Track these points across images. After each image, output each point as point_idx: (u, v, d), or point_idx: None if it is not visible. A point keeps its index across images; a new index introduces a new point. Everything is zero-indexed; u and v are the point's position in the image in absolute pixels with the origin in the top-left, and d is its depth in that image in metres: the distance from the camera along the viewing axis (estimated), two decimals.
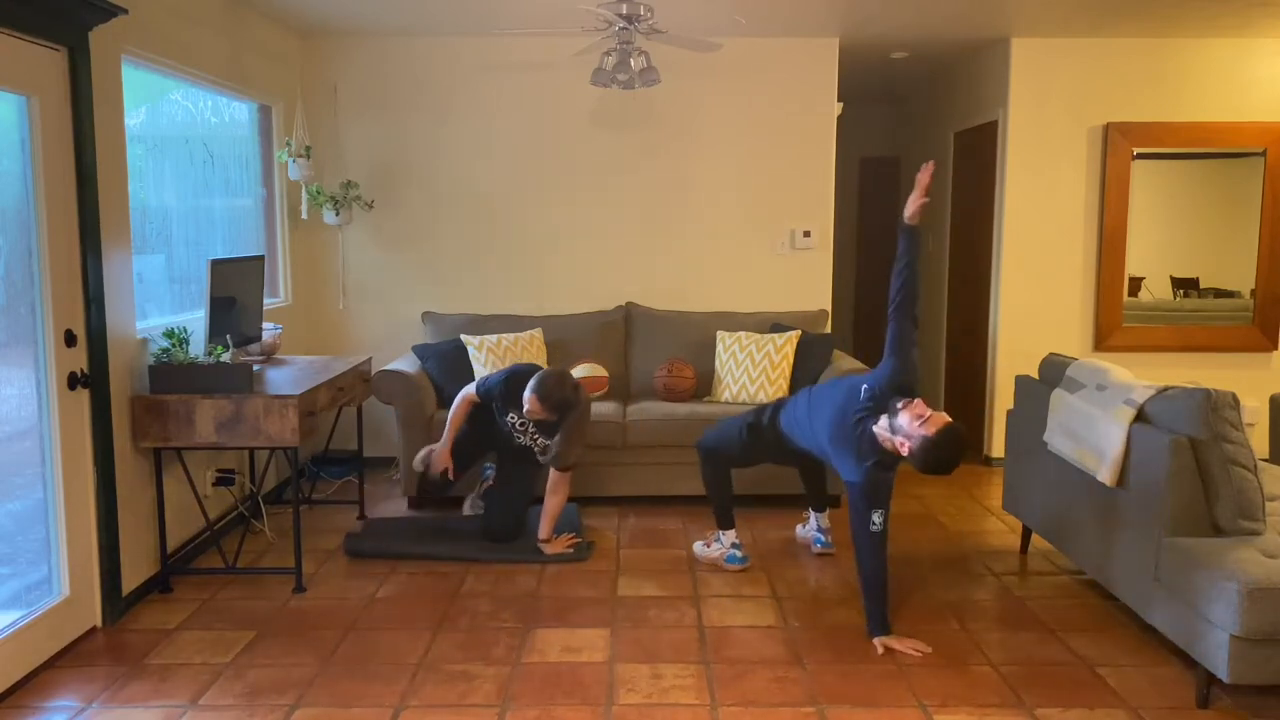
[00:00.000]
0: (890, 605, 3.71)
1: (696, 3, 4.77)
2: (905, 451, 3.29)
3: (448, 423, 4.40)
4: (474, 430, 4.42)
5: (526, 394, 4.06)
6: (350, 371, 4.44)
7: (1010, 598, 3.85)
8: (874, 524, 3.40)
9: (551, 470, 4.24)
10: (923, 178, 3.54)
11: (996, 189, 5.84)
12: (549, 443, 4.27)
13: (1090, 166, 5.71)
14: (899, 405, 3.33)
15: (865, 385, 3.56)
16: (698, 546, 4.28)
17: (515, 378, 4.23)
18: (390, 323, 5.80)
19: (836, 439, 3.55)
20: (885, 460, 3.41)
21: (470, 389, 4.38)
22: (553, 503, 4.24)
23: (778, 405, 4.05)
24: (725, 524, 4.15)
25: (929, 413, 3.26)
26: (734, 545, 4.14)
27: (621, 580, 4.03)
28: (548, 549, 4.23)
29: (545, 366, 4.38)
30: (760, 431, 4.03)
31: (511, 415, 4.31)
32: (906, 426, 3.27)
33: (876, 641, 3.37)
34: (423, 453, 4.49)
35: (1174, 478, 3.09)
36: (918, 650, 3.32)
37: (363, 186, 5.61)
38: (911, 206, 3.55)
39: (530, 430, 4.34)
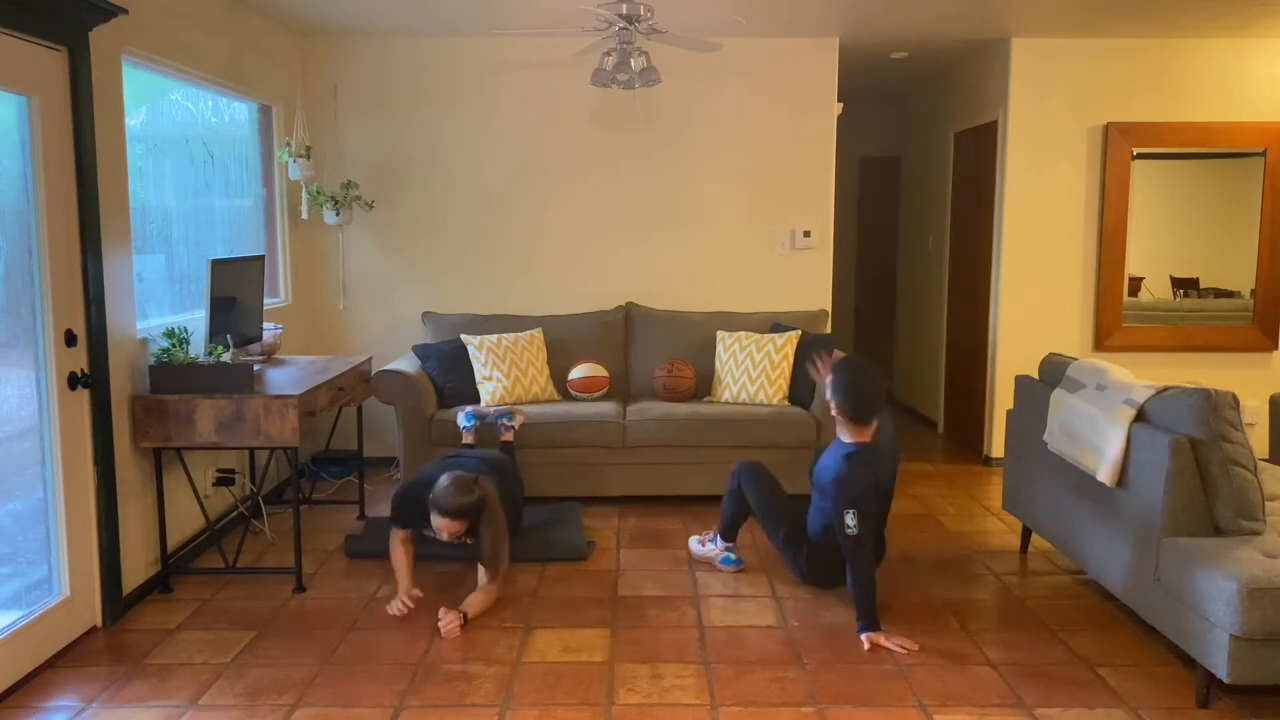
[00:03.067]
0: (887, 605, 3.72)
1: (696, 3, 4.77)
2: (835, 409, 3.60)
3: (396, 571, 3.78)
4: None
5: (434, 519, 3.61)
6: (350, 371, 4.44)
7: (1010, 598, 3.85)
8: (849, 527, 3.47)
9: (480, 572, 3.74)
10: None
11: (996, 189, 5.84)
12: (475, 541, 3.77)
13: (1090, 166, 5.71)
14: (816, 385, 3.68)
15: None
16: (693, 542, 4.28)
17: (406, 501, 3.76)
18: (390, 323, 5.80)
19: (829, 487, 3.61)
20: (859, 455, 3.55)
21: (392, 536, 3.81)
22: (484, 594, 3.66)
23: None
24: (728, 536, 4.14)
25: (824, 364, 3.78)
26: (729, 548, 4.14)
27: (621, 580, 4.03)
28: (449, 624, 3.48)
29: (440, 479, 3.66)
30: (795, 552, 3.91)
31: (427, 532, 3.79)
32: (826, 392, 3.65)
33: (864, 638, 3.38)
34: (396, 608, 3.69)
35: (1174, 478, 3.09)
36: (904, 647, 3.33)
37: (363, 186, 5.61)
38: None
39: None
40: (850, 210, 8.44)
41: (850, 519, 3.47)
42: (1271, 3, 4.79)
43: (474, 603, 3.62)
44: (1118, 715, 2.92)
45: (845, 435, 3.67)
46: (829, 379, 3.67)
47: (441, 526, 3.61)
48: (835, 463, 3.58)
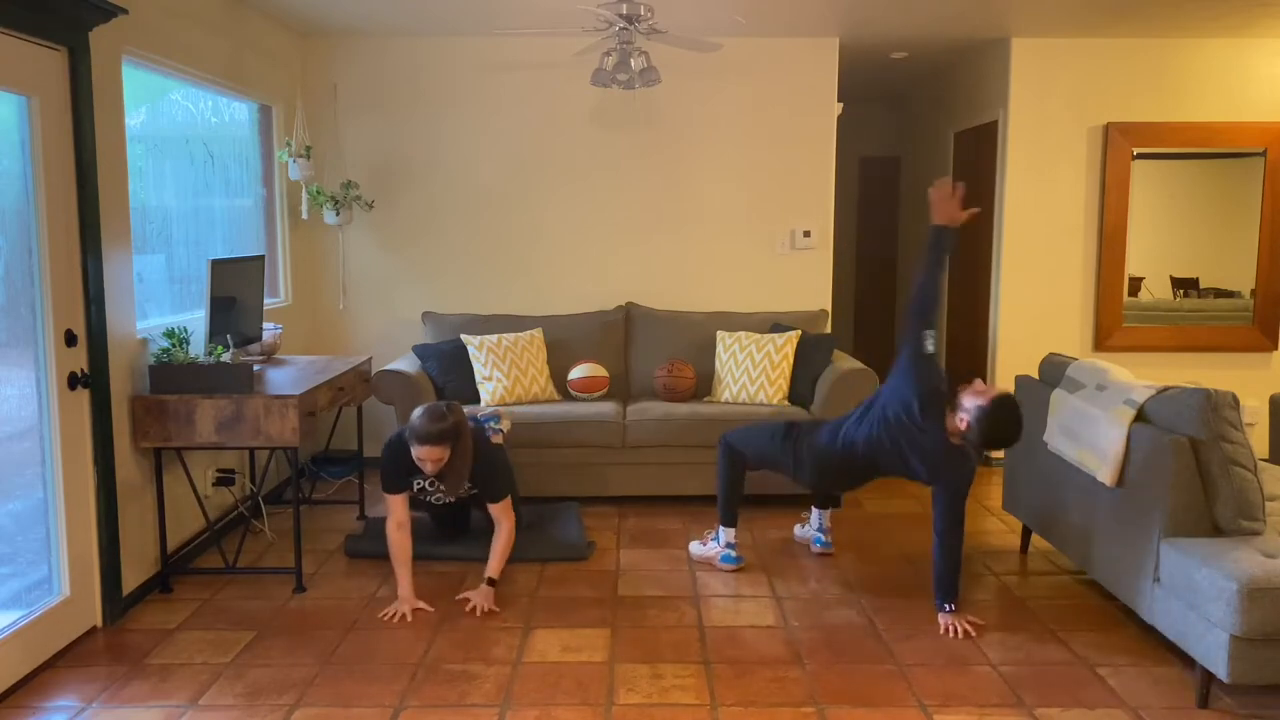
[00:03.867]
0: (887, 604, 3.73)
1: (696, 3, 4.77)
2: (964, 426, 3.47)
3: (395, 566, 3.76)
4: (421, 526, 3.93)
5: (413, 450, 3.63)
6: (350, 371, 4.44)
7: (1010, 598, 3.85)
8: (927, 348, 3.55)
9: (489, 505, 3.88)
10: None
11: (996, 189, 5.84)
12: (467, 487, 3.85)
13: (1090, 166, 5.71)
14: (960, 390, 3.54)
15: (901, 402, 3.63)
16: (694, 546, 4.29)
17: (390, 449, 3.79)
18: (390, 323, 5.80)
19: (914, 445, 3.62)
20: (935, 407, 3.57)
21: (388, 504, 3.81)
22: (500, 536, 3.83)
23: (813, 430, 3.96)
24: (728, 521, 4.14)
25: (985, 387, 3.52)
26: (729, 545, 4.14)
27: (621, 580, 4.03)
28: (483, 600, 3.70)
29: (416, 412, 3.69)
30: (796, 447, 3.94)
31: (419, 482, 3.88)
32: (967, 403, 3.49)
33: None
34: (398, 611, 3.70)
35: (1174, 478, 3.09)
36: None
37: (363, 186, 5.61)
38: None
39: (441, 488, 3.91)
40: (850, 210, 8.44)
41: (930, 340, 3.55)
42: (1271, 2, 4.79)
43: (494, 564, 3.77)
44: (1118, 715, 2.92)
45: (951, 427, 3.55)
46: (986, 405, 3.43)
47: (424, 456, 3.62)
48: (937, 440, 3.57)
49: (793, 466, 3.96)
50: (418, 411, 3.68)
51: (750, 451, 4.08)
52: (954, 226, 3.66)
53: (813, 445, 3.89)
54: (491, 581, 3.75)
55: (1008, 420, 3.45)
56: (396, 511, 3.79)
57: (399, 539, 3.76)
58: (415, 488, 3.90)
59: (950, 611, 3.54)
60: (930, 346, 3.59)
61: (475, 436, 3.84)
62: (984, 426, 3.43)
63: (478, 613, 3.65)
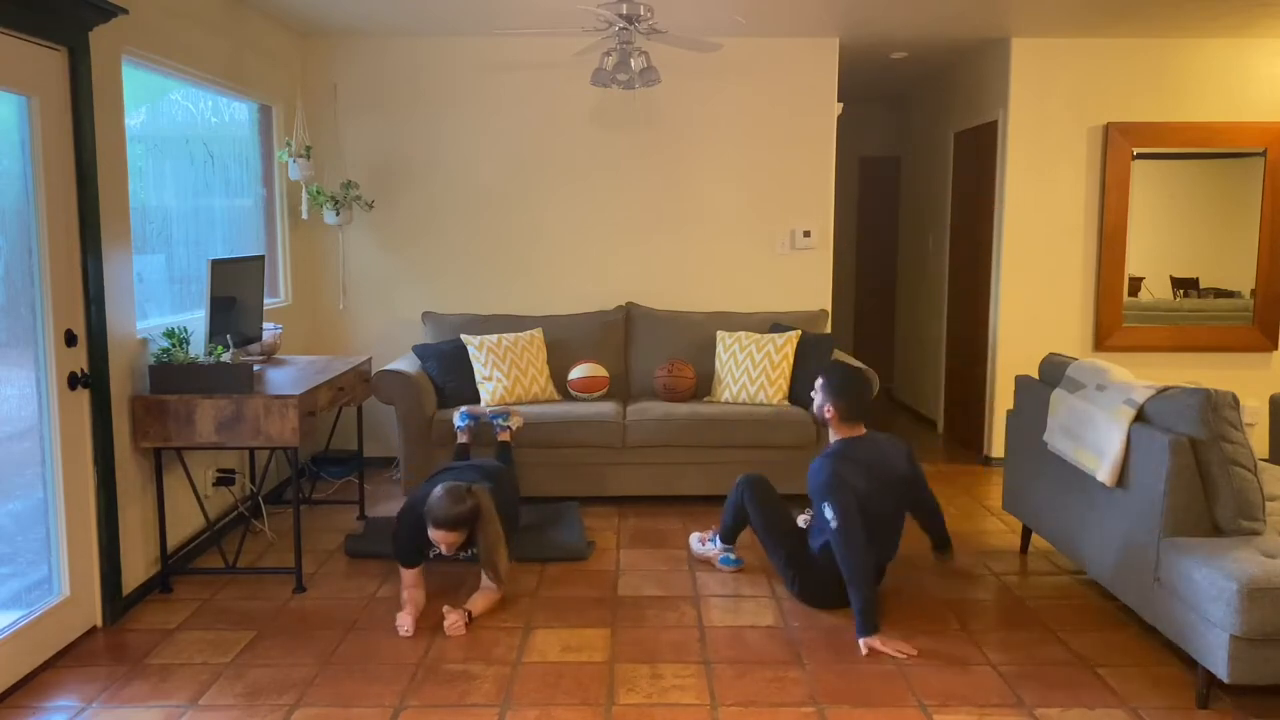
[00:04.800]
0: (886, 605, 3.72)
1: (696, 3, 4.77)
2: (830, 412, 3.64)
3: (406, 590, 3.68)
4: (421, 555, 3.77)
5: (431, 533, 3.53)
6: (350, 371, 4.44)
7: (1010, 598, 3.85)
8: (828, 520, 3.45)
9: (484, 578, 3.73)
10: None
11: (996, 189, 5.84)
12: (475, 551, 3.74)
13: (1090, 166, 5.71)
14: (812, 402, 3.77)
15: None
16: (694, 540, 4.28)
17: (407, 521, 3.65)
18: (390, 323, 5.80)
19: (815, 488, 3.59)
20: (837, 450, 3.59)
21: (402, 576, 3.70)
22: (489, 594, 3.69)
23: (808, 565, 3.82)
24: (727, 540, 4.13)
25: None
26: (728, 549, 4.14)
27: (621, 580, 4.03)
28: (454, 623, 3.52)
29: (433, 493, 3.59)
30: (801, 579, 3.81)
31: (433, 551, 3.70)
32: (816, 400, 3.72)
33: (861, 642, 3.35)
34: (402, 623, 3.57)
35: (1174, 478, 3.09)
36: (902, 652, 3.31)
37: (363, 186, 5.61)
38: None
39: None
40: (850, 210, 8.44)
41: (828, 511, 3.43)
42: (1271, 2, 4.79)
43: (478, 602, 3.64)
44: (1118, 715, 2.92)
45: (834, 434, 3.68)
46: (819, 383, 3.71)
47: (440, 539, 3.53)
48: (816, 462, 3.56)
49: (792, 587, 3.82)
50: (438, 491, 3.54)
51: (758, 535, 3.92)
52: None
53: (814, 575, 3.71)
54: (471, 616, 3.57)
55: (841, 371, 3.70)
56: (409, 578, 3.66)
57: (414, 594, 3.63)
58: (432, 554, 3.71)
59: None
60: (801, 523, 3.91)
61: (487, 516, 3.64)
62: (833, 388, 3.63)
63: (446, 630, 3.47)
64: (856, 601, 3.39)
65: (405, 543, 3.66)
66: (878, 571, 3.72)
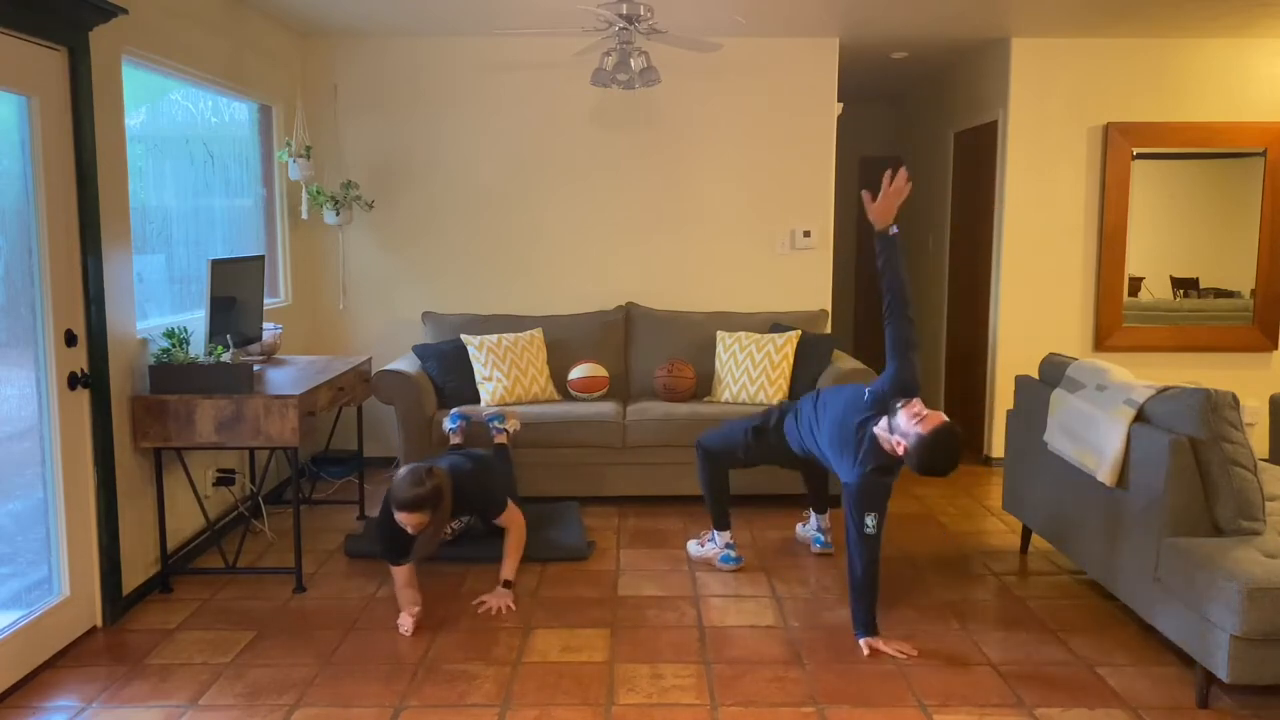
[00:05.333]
0: (886, 605, 3.72)
1: (696, 3, 4.77)
2: (901, 451, 3.24)
3: (399, 591, 3.66)
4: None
5: (397, 516, 3.51)
6: (350, 371, 4.44)
7: (1010, 598, 3.85)
8: (867, 527, 3.34)
9: (498, 520, 3.86)
10: (893, 183, 3.47)
11: (996, 189, 5.84)
12: (457, 523, 3.89)
13: (1090, 166, 5.71)
14: (898, 405, 3.29)
15: (868, 390, 3.53)
16: (691, 545, 4.29)
17: (382, 520, 3.63)
18: (390, 323, 5.80)
19: (835, 441, 3.55)
20: (884, 464, 3.38)
21: (394, 574, 3.67)
22: (511, 538, 3.82)
23: (783, 410, 4.02)
24: (721, 525, 4.15)
25: (926, 412, 3.22)
26: (728, 545, 4.14)
27: (621, 580, 4.03)
28: (500, 601, 3.71)
29: (398, 475, 3.58)
30: (765, 435, 4.02)
31: (417, 540, 3.68)
32: (903, 425, 3.22)
33: (862, 642, 3.36)
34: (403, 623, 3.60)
35: (1174, 478, 3.09)
36: (903, 652, 3.31)
37: (363, 186, 5.61)
38: (871, 211, 3.52)
39: (438, 532, 3.81)
40: (850, 210, 8.43)
41: (871, 521, 3.33)
42: (1271, 2, 4.79)
43: (508, 565, 3.80)
44: (1118, 715, 2.92)
45: (885, 440, 3.34)
46: (920, 434, 3.18)
47: (405, 521, 3.49)
48: (856, 469, 3.41)
49: (742, 451, 4.05)
50: (401, 472, 3.56)
51: (724, 449, 4.10)
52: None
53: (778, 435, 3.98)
54: (507, 584, 3.77)
55: (947, 454, 3.16)
56: (400, 578, 3.64)
57: (409, 594, 3.63)
58: (416, 542, 3.69)
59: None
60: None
61: (457, 476, 3.72)
62: (921, 457, 3.16)
63: (499, 612, 3.66)
64: (862, 601, 3.39)
65: (387, 538, 3.62)
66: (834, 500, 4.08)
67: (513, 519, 3.86)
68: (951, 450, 3.16)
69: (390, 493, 3.54)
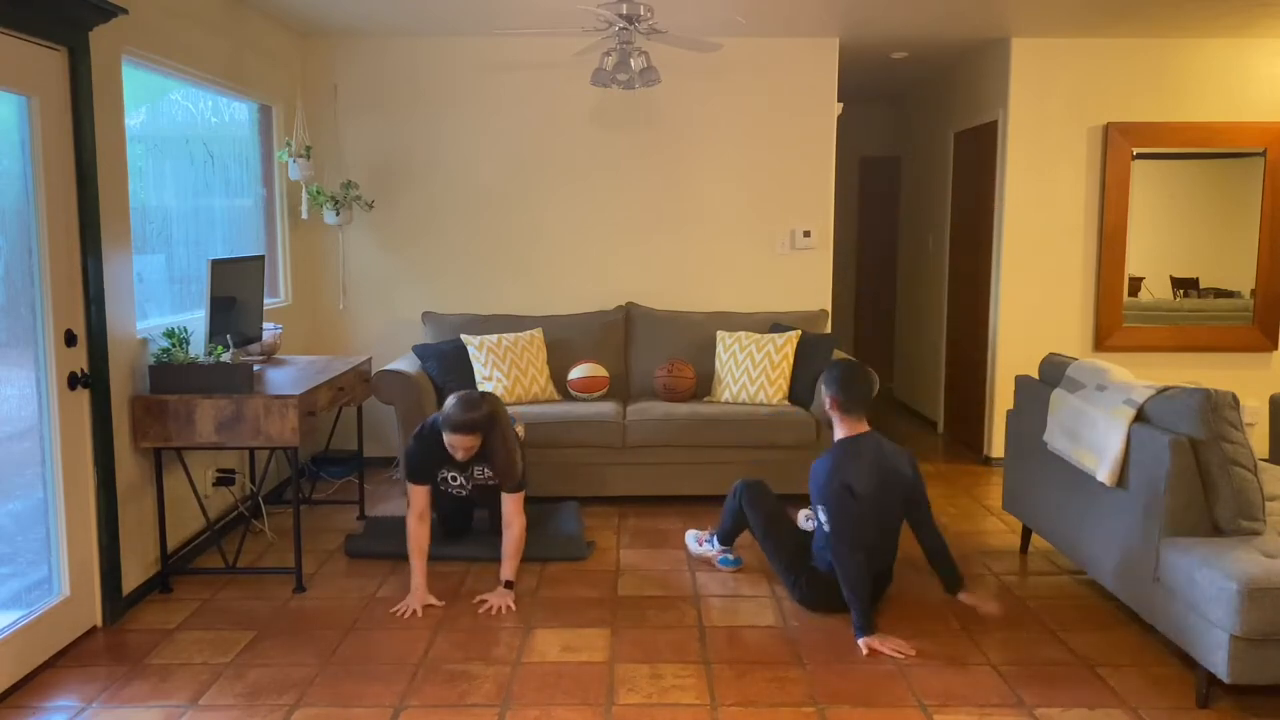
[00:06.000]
0: (887, 605, 3.72)
1: (696, 3, 4.77)
2: (830, 402, 3.61)
3: (412, 558, 3.77)
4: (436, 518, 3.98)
5: (447, 439, 3.72)
6: (350, 371, 4.44)
7: (1010, 598, 3.85)
8: (820, 523, 3.52)
9: (503, 499, 3.85)
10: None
11: (996, 189, 5.84)
12: (487, 472, 3.94)
13: (1090, 166, 5.71)
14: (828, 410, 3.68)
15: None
16: (690, 538, 4.27)
17: (422, 438, 3.85)
18: (390, 323, 5.80)
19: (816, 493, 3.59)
20: (837, 449, 3.57)
21: (411, 495, 3.81)
22: (511, 537, 3.81)
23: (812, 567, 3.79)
24: (725, 540, 4.13)
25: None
26: (726, 550, 4.14)
27: (621, 580, 4.03)
28: (502, 601, 3.72)
29: (447, 401, 3.80)
30: (802, 584, 3.79)
31: (444, 473, 3.93)
32: (822, 401, 3.74)
33: (861, 643, 3.36)
34: (409, 607, 3.71)
35: (1174, 478, 3.09)
36: (900, 652, 3.30)
37: (363, 186, 5.61)
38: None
39: (466, 476, 4.01)
40: (850, 210, 8.44)
41: (821, 514, 3.48)
42: (1271, 2, 4.79)
43: (508, 566, 3.78)
44: (1118, 715, 2.92)
45: (838, 430, 3.63)
46: (821, 377, 3.74)
47: (456, 444, 3.72)
48: (817, 462, 3.58)
49: (796, 594, 3.77)
50: (452, 399, 3.78)
51: (756, 538, 3.95)
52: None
53: (816, 581, 3.69)
54: (509, 584, 3.78)
55: (836, 364, 3.67)
56: (417, 503, 3.81)
57: (419, 531, 3.78)
58: (438, 478, 3.94)
59: (963, 588, 3.57)
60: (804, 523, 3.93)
61: (502, 420, 3.89)
62: (828, 380, 3.60)
63: (500, 612, 3.67)
64: (852, 602, 3.40)
65: (418, 459, 3.84)
66: (885, 573, 3.69)
67: (519, 511, 3.85)
68: (842, 361, 3.72)
69: (442, 416, 3.74)
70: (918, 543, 3.69)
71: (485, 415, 3.77)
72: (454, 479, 4.04)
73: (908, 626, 3.54)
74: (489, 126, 5.68)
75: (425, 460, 3.86)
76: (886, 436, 3.74)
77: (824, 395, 3.69)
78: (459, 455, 3.78)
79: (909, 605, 3.75)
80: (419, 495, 3.83)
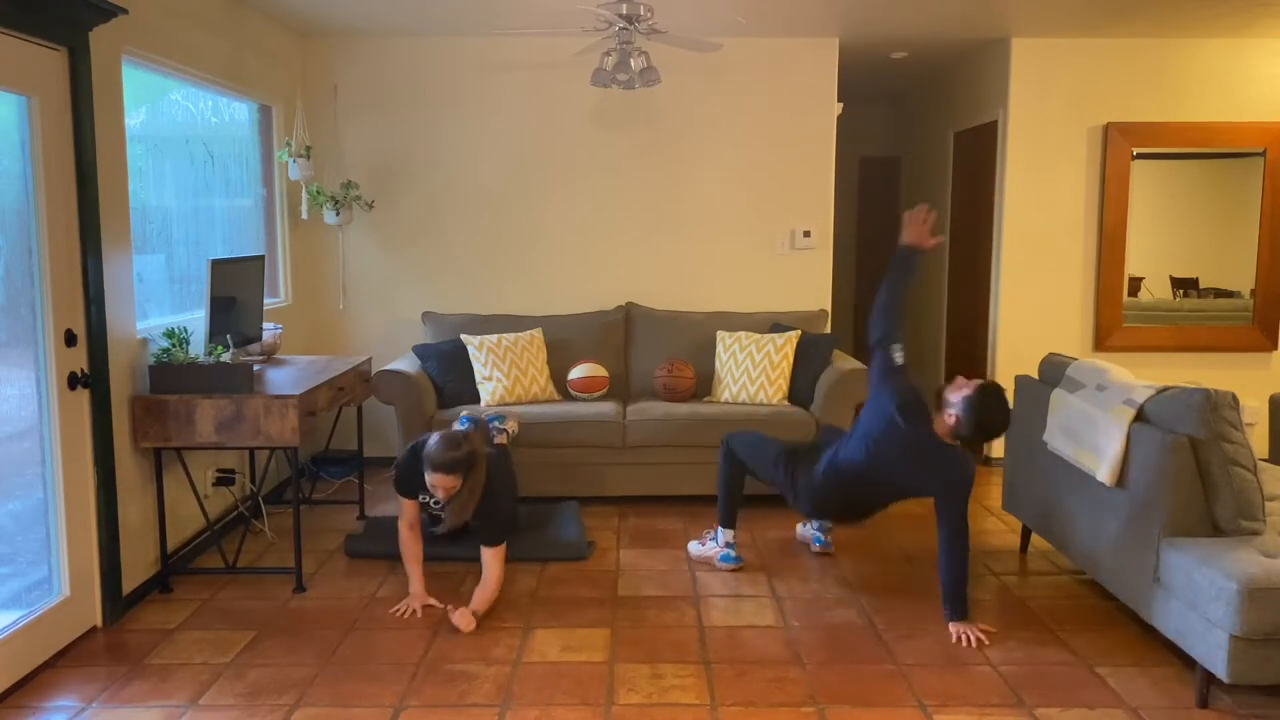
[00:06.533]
0: (887, 605, 3.73)
1: (696, 3, 4.77)
2: (953, 422, 3.45)
3: (406, 564, 3.77)
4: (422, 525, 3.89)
5: (428, 477, 3.60)
6: (350, 371, 4.44)
7: (1010, 598, 3.85)
8: (895, 356, 3.57)
9: (481, 550, 3.71)
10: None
11: (996, 189, 5.84)
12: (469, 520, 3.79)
13: (1090, 166, 5.71)
14: (944, 389, 3.54)
15: (885, 420, 3.59)
16: (692, 546, 4.29)
17: (409, 460, 3.75)
18: (390, 323, 5.80)
19: (919, 458, 3.55)
20: (950, 451, 3.53)
21: (400, 503, 3.82)
22: (487, 582, 3.66)
23: (809, 460, 3.85)
24: (727, 522, 4.14)
25: (968, 381, 3.51)
26: (728, 545, 4.14)
27: (621, 580, 4.03)
28: (461, 622, 3.53)
29: (430, 439, 3.67)
30: (793, 478, 3.85)
31: (424, 497, 3.82)
32: (951, 398, 3.48)
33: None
34: (410, 608, 3.71)
35: (1174, 478, 3.09)
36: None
37: (363, 186, 5.61)
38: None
39: (443, 513, 3.89)
40: (850, 210, 8.44)
41: (897, 352, 3.57)
42: (1271, 2, 4.79)
43: (480, 600, 3.63)
44: (1118, 715, 2.92)
45: (941, 427, 3.52)
46: (967, 397, 3.44)
47: (436, 483, 3.60)
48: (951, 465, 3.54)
49: (791, 496, 3.91)
50: (435, 436, 3.64)
51: (751, 465, 4.05)
52: (921, 249, 3.72)
53: (809, 477, 3.80)
54: (476, 614, 3.57)
55: (996, 406, 3.44)
56: (408, 513, 3.80)
57: (409, 538, 3.78)
58: (422, 500, 3.85)
59: (961, 619, 3.50)
60: (899, 358, 3.60)
61: (491, 470, 3.76)
62: (973, 416, 3.41)
63: (461, 628, 3.50)
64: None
65: (405, 475, 3.78)
66: (835, 518, 4.00)
67: (497, 561, 3.68)
68: (1000, 402, 3.44)
69: (425, 454, 3.62)
70: (938, 555, 3.59)
71: (465, 455, 3.60)
72: (435, 503, 3.89)
73: (908, 626, 3.54)
74: (489, 126, 5.68)
75: (411, 478, 3.75)
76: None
77: (957, 418, 3.44)
78: (438, 494, 3.65)
79: (910, 605, 3.75)
80: (408, 506, 3.81)
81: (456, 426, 4.76)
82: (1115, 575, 3.43)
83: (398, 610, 3.66)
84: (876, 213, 8.45)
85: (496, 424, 4.77)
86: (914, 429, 3.52)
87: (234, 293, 4.06)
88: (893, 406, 3.54)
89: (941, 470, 3.53)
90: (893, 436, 3.55)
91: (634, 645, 3.39)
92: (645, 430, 4.96)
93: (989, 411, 3.42)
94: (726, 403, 5.17)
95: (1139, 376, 3.63)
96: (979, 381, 3.49)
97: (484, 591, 3.65)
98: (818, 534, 4.34)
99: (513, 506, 4.28)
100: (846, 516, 4.04)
